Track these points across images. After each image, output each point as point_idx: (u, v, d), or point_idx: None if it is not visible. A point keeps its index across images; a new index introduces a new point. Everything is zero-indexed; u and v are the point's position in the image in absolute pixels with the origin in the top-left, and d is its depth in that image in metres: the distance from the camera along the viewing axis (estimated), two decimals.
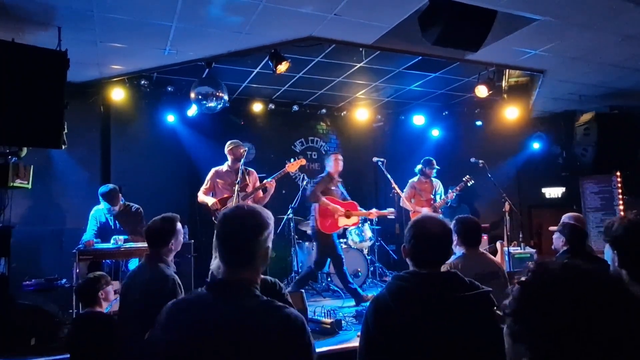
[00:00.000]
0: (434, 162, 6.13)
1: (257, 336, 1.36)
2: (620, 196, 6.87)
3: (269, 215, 1.59)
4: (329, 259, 5.55)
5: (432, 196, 6.07)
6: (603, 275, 0.90)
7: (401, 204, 5.92)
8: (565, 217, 3.90)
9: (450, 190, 6.03)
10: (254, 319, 1.39)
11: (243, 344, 1.35)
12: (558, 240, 3.63)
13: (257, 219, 1.54)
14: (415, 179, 6.17)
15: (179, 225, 2.81)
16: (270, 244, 1.57)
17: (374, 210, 5.81)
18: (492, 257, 3.26)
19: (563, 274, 0.90)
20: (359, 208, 5.68)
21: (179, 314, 1.45)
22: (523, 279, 0.95)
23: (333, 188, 5.50)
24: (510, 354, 0.96)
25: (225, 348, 1.35)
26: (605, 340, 0.81)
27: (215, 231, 1.55)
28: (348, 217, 5.47)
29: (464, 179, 5.94)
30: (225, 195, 5.04)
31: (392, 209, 5.87)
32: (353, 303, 5.33)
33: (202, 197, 5.16)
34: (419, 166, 6.15)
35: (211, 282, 1.51)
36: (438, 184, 6.20)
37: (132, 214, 4.99)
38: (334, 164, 5.51)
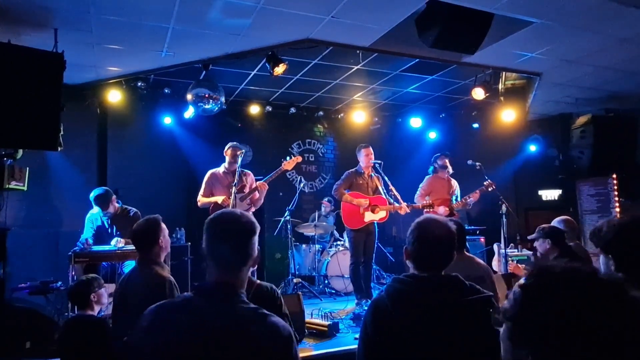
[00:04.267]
0: (440, 153, 6.00)
1: (247, 343, 1.36)
2: (617, 198, 6.89)
3: (256, 222, 1.61)
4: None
5: (449, 196, 5.85)
6: (605, 278, 0.89)
7: (415, 201, 5.77)
8: (555, 221, 3.92)
9: (472, 193, 5.71)
10: (244, 325, 1.39)
11: (232, 350, 1.35)
12: (543, 245, 3.64)
13: (251, 220, 1.58)
14: (430, 175, 6.00)
15: (162, 224, 2.80)
16: (257, 249, 1.61)
17: (404, 204, 5.29)
18: (479, 261, 3.22)
19: (565, 277, 0.89)
20: (391, 200, 5.38)
21: (165, 318, 1.43)
22: (523, 282, 0.94)
23: (361, 182, 5.41)
24: (508, 357, 0.95)
25: (214, 353, 1.35)
26: (607, 343, 0.81)
27: (206, 234, 1.55)
28: (374, 211, 5.30)
29: (485, 183, 5.62)
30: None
31: (426, 202, 5.50)
32: (350, 306, 5.32)
33: (204, 199, 5.12)
34: (431, 167, 6.06)
35: (200, 287, 1.50)
36: (456, 186, 5.98)
37: (130, 218, 4.95)
38: (365, 159, 5.40)
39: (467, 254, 3.14)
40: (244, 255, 1.53)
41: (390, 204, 5.34)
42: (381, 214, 5.33)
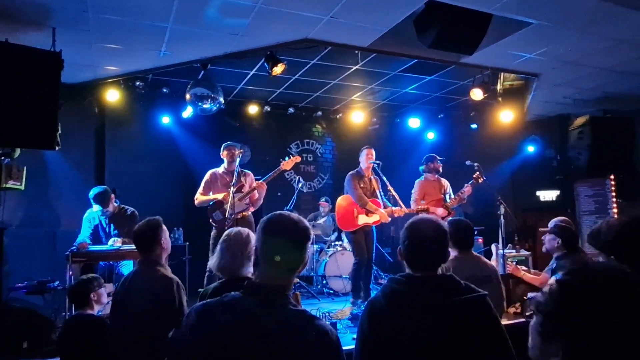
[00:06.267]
0: (436, 155, 6.00)
1: (297, 345, 1.35)
2: (614, 199, 6.90)
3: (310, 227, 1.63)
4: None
5: (442, 196, 5.86)
6: None
7: (412, 207, 5.79)
8: (553, 222, 3.92)
9: (464, 187, 5.68)
10: (294, 328, 1.38)
11: (281, 352, 1.34)
12: (552, 242, 3.66)
13: (307, 227, 1.58)
14: (421, 179, 5.98)
15: (163, 225, 2.82)
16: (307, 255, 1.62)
17: (400, 208, 5.27)
18: (486, 260, 3.24)
19: (605, 276, 0.89)
20: (389, 205, 5.38)
21: (213, 315, 1.41)
22: (560, 278, 0.94)
23: (362, 185, 5.38)
24: (536, 352, 0.94)
25: (263, 354, 1.34)
26: None
27: (262, 235, 1.54)
28: (367, 214, 5.31)
29: (474, 175, 5.64)
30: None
31: (421, 206, 5.44)
32: (349, 307, 5.31)
33: (202, 198, 5.11)
34: (422, 166, 6.06)
35: (251, 286, 1.49)
36: (447, 184, 5.98)
37: (127, 217, 4.95)
38: (365, 159, 5.41)
39: (474, 253, 3.13)
40: (297, 260, 1.52)
41: (385, 207, 5.31)
42: (375, 218, 5.33)
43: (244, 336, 1.35)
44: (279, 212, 1.61)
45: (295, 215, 1.60)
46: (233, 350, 1.34)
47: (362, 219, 5.28)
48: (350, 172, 5.48)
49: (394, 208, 5.27)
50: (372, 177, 5.48)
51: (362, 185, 5.38)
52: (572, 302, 0.88)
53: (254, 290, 1.47)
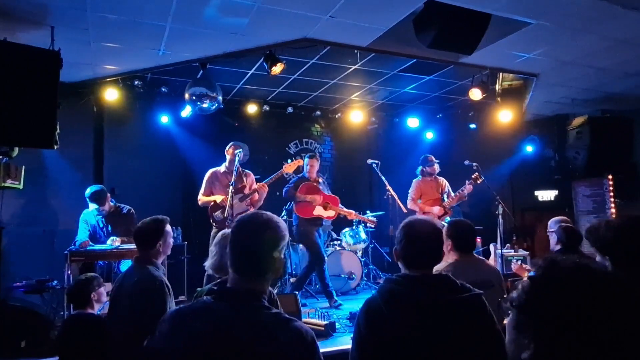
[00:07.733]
0: (432, 157, 6.03)
1: (272, 350, 1.34)
2: (612, 199, 6.91)
3: (285, 227, 1.55)
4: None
5: (439, 195, 5.93)
6: (612, 276, 0.93)
7: (409, 206, 5.83)
8: (552, 222, 3.93)
9: (461, 189, 5.78)
10: (269, 332, 1.37)
11: (255, 356, 1.33)
12: (554, 241, 3.67)
13: (275, 230, 1.50)
14: (418, 178, 6.04)
15: (168, 227, 2.78)
16: (283, 255, 1.56)
17: (353, 211, 5.78)
18: (489, 264, 3.12)
19: (573, 272, 0.93)
20: (340, 206, 5.73)
21: (185, 323, 1.39)
22: (532, 274, 0.98)
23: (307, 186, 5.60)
24: (512, 346, 0.98)
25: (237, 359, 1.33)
26: (607, 339, 0.84)
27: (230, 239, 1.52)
28: (325, 208, 5.56)
29: (472, 176, 5.72)
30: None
31: (373, 218, 5.80)
32: (349, 305, 5.33)
33: (204, 199, 5.15)
34: (419, 167, 6.09)
35: (221, 291, 1.47)
36: (445, 183, 6.03)
37: (124, 216, 4.95)
38: (306, 169, 5.65)
39: (476, 256, 3.00)
40: (266, 264, 1.47)
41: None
42: (330, 213, 5.58)
43: (216, 343, 1.33)
44: (250, 212, 1.59)
45: (266, 214, 1.54)
46: (206, 358, 1.32)
47: (318, 211, 5.55)
48: (298, 175, 5.77)
49: (363, 216, 5.85)
50: (320, 181, 5.75)
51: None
52: (539, 295, 0.92)
53: (226, 295, 1.45)
